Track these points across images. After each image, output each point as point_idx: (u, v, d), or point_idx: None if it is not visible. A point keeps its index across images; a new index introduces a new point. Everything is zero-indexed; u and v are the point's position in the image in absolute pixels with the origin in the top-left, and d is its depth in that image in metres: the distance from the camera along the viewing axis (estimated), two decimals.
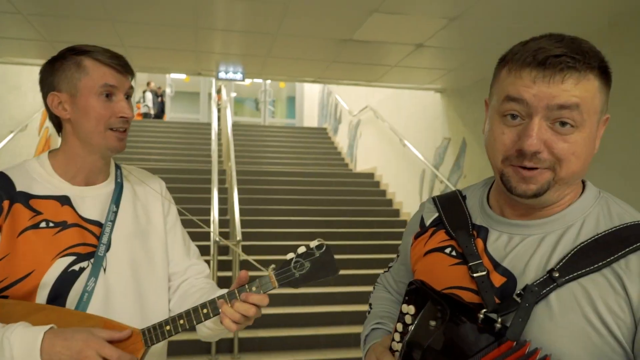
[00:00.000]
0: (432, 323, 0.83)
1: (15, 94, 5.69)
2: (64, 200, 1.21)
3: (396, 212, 6.93)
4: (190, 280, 1.35)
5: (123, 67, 1.22)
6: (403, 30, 3.78)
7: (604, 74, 0.85)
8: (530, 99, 0.82)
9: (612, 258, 0.81)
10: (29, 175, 1.21)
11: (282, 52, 4.42)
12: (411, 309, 0.89)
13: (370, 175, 8.03)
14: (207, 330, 1.24)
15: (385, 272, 1.25)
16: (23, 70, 5.62)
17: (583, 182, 0.94)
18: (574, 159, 0.83)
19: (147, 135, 9.57)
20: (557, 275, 0.82)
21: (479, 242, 0.94)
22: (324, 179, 7.80)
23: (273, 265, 1.13)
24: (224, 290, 1.18)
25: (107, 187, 1.28)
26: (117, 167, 1.36)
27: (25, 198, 1.18)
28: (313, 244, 1.12)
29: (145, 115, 13.44)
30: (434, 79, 5.31)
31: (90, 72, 1.19)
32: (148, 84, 13.79)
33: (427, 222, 1.07)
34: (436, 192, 5.95)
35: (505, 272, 0.88)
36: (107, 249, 1.22)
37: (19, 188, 1.19)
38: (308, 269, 1.10)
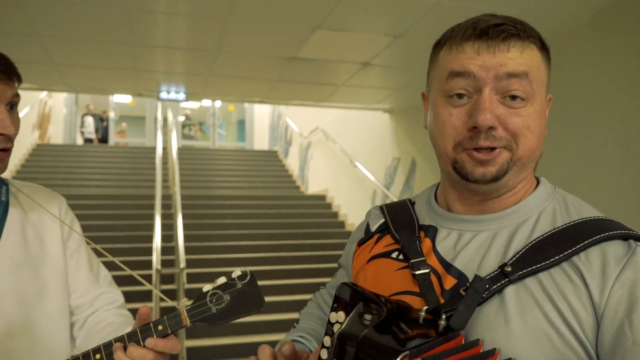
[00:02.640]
0: (368, 317, 0.72)
1: None
2: None
3: (348, 234, 6.82)
4: (99, 314, 1.16)
5: (6, 74, 1.00)
6: (348, 48, 3.73)
7: (544, 47, 0.81)
8: (477, 71, 0.76)
9: (571, 250, 0.73)
10: None
11: (225, 71, 4.28)
12: (341, 315, 0.75)
13: (322, 197, 7.93)
14: None
15: (321, 288, 1.10)
16: None
17: (537, 178, 0.87)
18: (529, 134, 0.77)
19: (89, 161, 9.18)
20: (509, 270, 0.73)
21: (427, 241, 0.86)
22: (274, 201, 7.64)
23: (185, 299, 0.94)
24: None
25: None
26: (3, 183, 1.14)
27: None
28: (235, 273, 0.94)
29: (87, 141, 12.93)
30: (382, 98, 5.29)
31: None
32: (87, 106, 13.29)
33: (373, 228, 0.97)
34: None
35: (457, 273, 0.79)
36: None
37: None
38: (227, 303, 0.92)
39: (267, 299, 5.15)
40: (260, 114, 13.08)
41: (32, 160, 8.73)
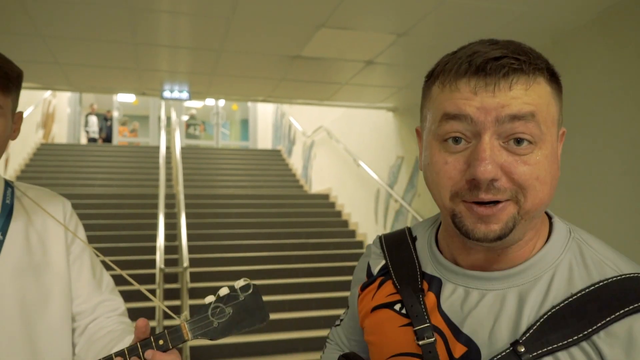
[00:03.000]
0: None
1: None
2: None
3: (352, 233, 6.82)
4: (100, 321, 1.14)
5: None
6: (352, 46, 3.71)
7: (553, 77, 0.71)
8: (475, 114, 0.66)
9: (591, 330, 0.64)
10: None
11: (228, 70, 4.27)
12: None
13: (325, 197, 7.92)
14: None
15: (335, 325, 1.03)
16: None
17: (548, 216, 0.77)
18: (538, 185, 0.67)
19: (92, 160, 9.19)
20: (522, 350, 0.66)
21: (431, 297, 0.78)
22: (278, 201, 7.63)
23: (186, 313, 0.92)
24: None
25: None
26: (8, 185, 1.12)
27: None
28: (238, 284, 0.91)
29: (91, 140, 12.95)
30: (386, 97, 5.27)
31: None
32: (91, 106, 13.32)
33: (375, 270, 0.89)
34: (391, 212, 5.89)
35: (466, 340, 0.72)
36: None
37: None
38: (230, 317, 0.88)
39: (270, 298, 5.16)
40: (264, 113, 13.08)
41: (36, 159, 8.75)
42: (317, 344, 4.42)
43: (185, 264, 4.16)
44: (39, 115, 9.62)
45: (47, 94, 9.90)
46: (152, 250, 5.36)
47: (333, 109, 7.33)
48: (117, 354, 0.85)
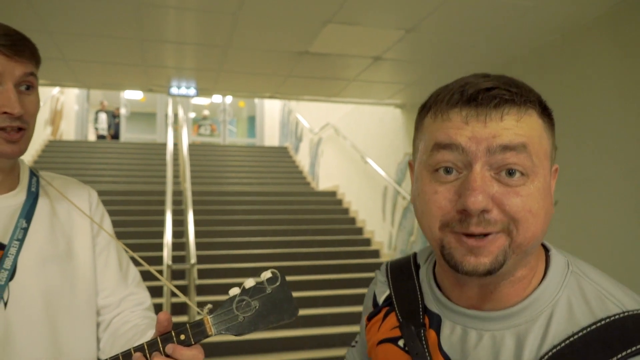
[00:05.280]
0: None
1: None
2: None
3: (359, 230, 6.79)
4: (125, 315, 1.11)
5: (14, 49, 0.94)
6: (360, 42, 3.68)
7: (545, 112, 0.69)
8: (466, 143, 0.66)
9: None
10: None
11: (235, 66, 4.25)
12: None
13: (333, 194, 7.90)
14: None
15: (352, 346, 1.02)
16: None
17: (546, 248, 0.76)
18: (531, 217, 0.65)
19: (100, 157, 9.23)
20: None
21: (432, 333, 0.76)
22: (285, 197, 7.62)
23: (209, 305, 0.84)
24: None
25: (14, 199, 1.02)
26: (33, 174, 1.10)
27: None
28: (265, 275, 0.84)
29: (100, 137, 13.01)
30: (393, 93, 5.24)
31: None
32: (101, 103, 13.37)
33: (380, 300, 0.88)
34: (399, 209, 5.86)
35: None
36: (11, 276, 0.97)
37: None
38: (256, 310, 0.82)
39: None
40: (271, 110, 13.07)
41: (45, 156, 8.79)
42: (323, 341, 4.41)
43: (193, 260, 4.16)
44: (47, 112, 9.66)
45: (55, 91, 9.94)
46: (159, 247, 5.37)
47: (340, 105, 7.31)
48: (137, 348, 0.81)
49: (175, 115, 8.81)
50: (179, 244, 5.42)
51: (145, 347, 0.81)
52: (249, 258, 5.72)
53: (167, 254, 4.28)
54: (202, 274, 4.98)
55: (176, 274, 4.92)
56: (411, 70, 4.44)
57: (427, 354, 0.74)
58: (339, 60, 4.15)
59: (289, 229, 6.48)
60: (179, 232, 5.64)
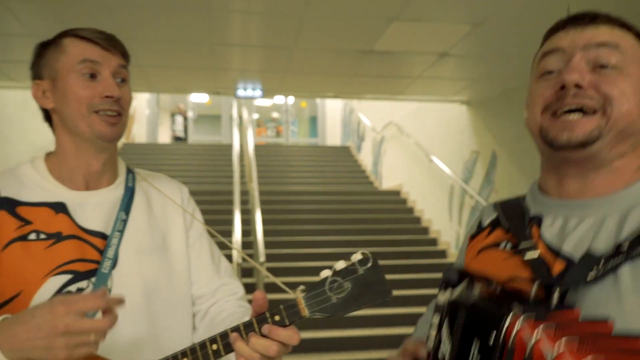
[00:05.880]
0: (476, 290, 0.70)
1: (36, 118, 5.70)
2: (59, 208, 1.02)
3: (425, 230, 6.69)
4: (220, 304, 1.13)
5: (108, 42, 1.05)
6: (425, 38, 3.63)
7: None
8: (567, 45, 0.75)
9: None
10: (18, 180, 1.04)
11: (300, 67, 4.30)
12: (448, 293, 0.74)
13: (396, 193, 7.83)
14: None
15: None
16: None
17: None
18: (624, 98, 0.71)
19: (170, 158, 9.60)
20: (624, 248, 0.66)
21: (534, 229, 0.81)
22: (348, 197, 7.63)
23: (302, 287, 0.84)
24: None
25: (113, 192, 1.08)
26: (129, 171, 1.17)
27: (11, 205, 1.00)
28: (355, 257, 0.84)
29: (177, 139, 13.55)
30: (459, 89, 5.12)
31: (68, 50, 1.03)
32: (178, 106, 13.95)
33: (485, 223, 0.93)
34: (467, 208, 5.72)
35: (565, 257, 0.74)
36: (114, 265, 1.01)
37: (3, 193, 1.01)
38: (349, 292, 0.82)
39: None
40: (332, 110, 13.12)
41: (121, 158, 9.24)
42: (391, 341, 4.37)
43: (262, 259, 4.24)
44: None
45: None
46: (227, 245, 5.52)
47: (403, 103, 7.22)
48: (233, 329, 0.84)
49: (240, 117, 9.02)
50: (246, 243, 5.55)
51: (242, 327, 0.83)
52: (315, 257, 5.76)
53: (236, 252, 4.38)
54: (269, 272, 5.07)
55: (245, 272, 5.04)
56: (478, 65, 4.32)
57: (529, 235, 0.78)
58: (404, 58, 4.11)
59: (353, 229, 6.48)
60: (246, 231, 5.77)
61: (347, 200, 7.48)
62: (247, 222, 5.99)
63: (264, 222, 6.14)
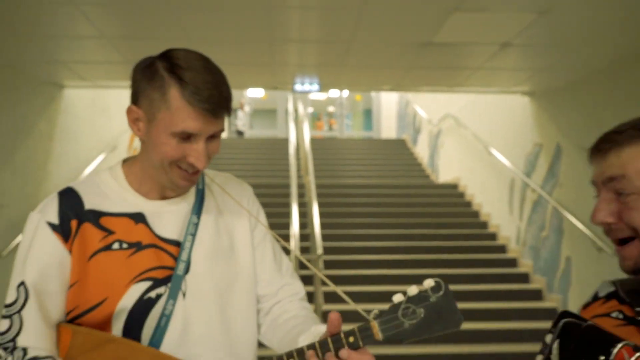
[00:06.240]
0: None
1: (105, 116, 5.98)
2: (139, 218, 1.07)
3: (484, 224, 6.54)
4: (283, 304, 1.17)
5: (213, 113, 1.00)
6: (487, 28, 3.53)
7: None
8: (594, 179, 0.89)
9: None
10: (99, 190, 1.09)
11: (357, 61, 4.29)
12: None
13: (454, 186, 7.68)
14: None
15: None
16: (111, 93, 5.90)
17: None
18: None
19: (228, 152, 9.82)
20: None
21: None
22: (404, 190, 7.57)
23: (375, 311, 0.87)
24: (320, 326, 0.98)
25: (186, 200, 1.13)
26: None
27: (95, 216, 1.06)
28: (428, 283, 0.87)
29: (239, 133, 13.88)
30: (522, 80, 4.96)
31: (172, 109, 0.99)
32: (240, 102, 14.29)
33: (600, 295, 0.96)
34: (528, 202, 5.54)
35: None
36: (187, 269, 1.07)
37: (87, 206, 1.07)
38: (422, 319, 0.85)
39: (397, 288, 5.10)
40: (387, 102, 13.01)
41: None
42: (450, 337, 4.32)
43: (320, 251, 4.28)
44: None
45: None
46: (285, 238, 5.59)
47: (460, 95, 7.06)
48: (309, 347, 0.87)
49: (296, 111, 9.11)
50: (303, 235, 5.61)
51: (317, 346, 0.86)
52: (371, 250, 5.76)
53: (294, 244, 4.45)
54: (326, 264, 5.12)
55: (303, 265, 5.10)
56: (543, 55, 4.16)
57: None
58: (464, 49, 4.02)
59: (409, 222, 6.42)
60: (302, 223, 5.84)
61: (403, 193, 7.42)
62: (304, 215, 6.06)
63: (321, 215, 6.20)
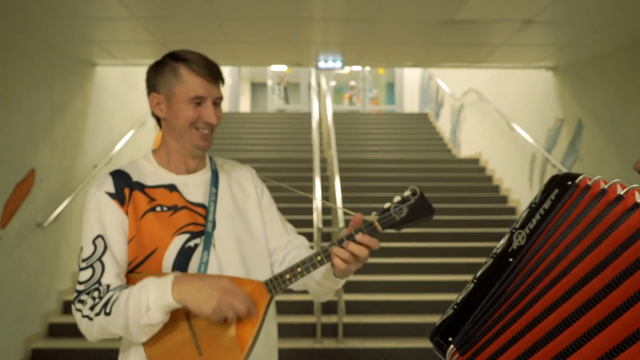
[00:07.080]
0: None
1: (135, 92, 6.17)
2: (172, 188, 1.38)
3: (504, 199, 6.62)
4: (294, 252, 1.45)
5: (214, 77, 1.35)
6: (509, 5, 3.57)
7: None
8: None
9: None
10: (139, 170, 1.39)
11: (381, 39, 4.37)
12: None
13: (475, 161, 7.74)
14: (317, 286, 1.35)
15: None
16: (141, 70, 6.05)
17: None
18: None
19: (251, 126, 9.97)
20: None
21: None
22: (426, 165, 7.65)
23: (375, 213, 1.24)
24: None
25: (205, 174, 1.44)
26: (210, 158, 1.52)
27: (141, 187, 1.36)
28: (406, 192, 1.26)
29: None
30: (545, 56, 4.97)
31: (184, 81, 1.32)
32: (279, 76, 14.50)
33: None
34: (548, 177, 5.59)
35: None
36: (214, 227, 1.37)
37: (134, 179, 1.36)
38: (407, 213, 1.24)
39: (419, 260, 5.28)
40: (410, 76, 12.95)
41: None
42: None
43: (341, 224, 4.44)
44: None
45: None
46: (308, 211, 5.77)
47: (483, 70, 7.06)
48: (331, 244, 1.22)
49: (319, 85, 9.17)
50: (325, 209, 5.77)
51: (336, 243, 1.21)
52: None
53: (317, 217, 4.60)
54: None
55: (324, 237, 5.28)
56: (566, 31, 4.18)
57: None
58: (487, 26, 4.06)
59: (430, 196, 6.33)
60: (324, 197, 6.00)
61: (425, 168, 7.50)
62: (326, 189, 6.21)
63: (342, 189, 6.35)
